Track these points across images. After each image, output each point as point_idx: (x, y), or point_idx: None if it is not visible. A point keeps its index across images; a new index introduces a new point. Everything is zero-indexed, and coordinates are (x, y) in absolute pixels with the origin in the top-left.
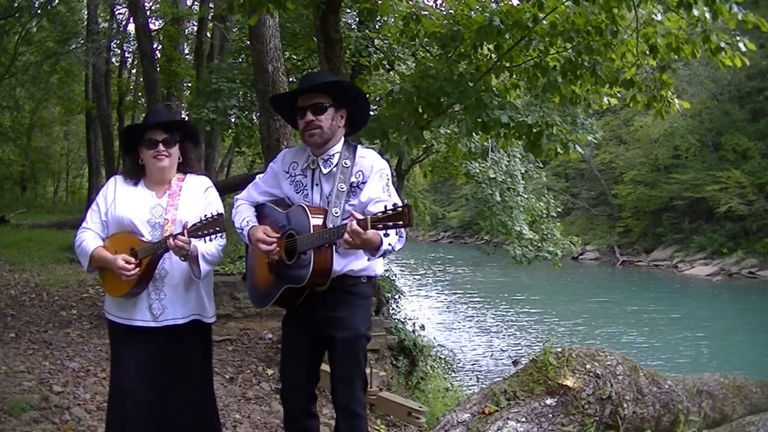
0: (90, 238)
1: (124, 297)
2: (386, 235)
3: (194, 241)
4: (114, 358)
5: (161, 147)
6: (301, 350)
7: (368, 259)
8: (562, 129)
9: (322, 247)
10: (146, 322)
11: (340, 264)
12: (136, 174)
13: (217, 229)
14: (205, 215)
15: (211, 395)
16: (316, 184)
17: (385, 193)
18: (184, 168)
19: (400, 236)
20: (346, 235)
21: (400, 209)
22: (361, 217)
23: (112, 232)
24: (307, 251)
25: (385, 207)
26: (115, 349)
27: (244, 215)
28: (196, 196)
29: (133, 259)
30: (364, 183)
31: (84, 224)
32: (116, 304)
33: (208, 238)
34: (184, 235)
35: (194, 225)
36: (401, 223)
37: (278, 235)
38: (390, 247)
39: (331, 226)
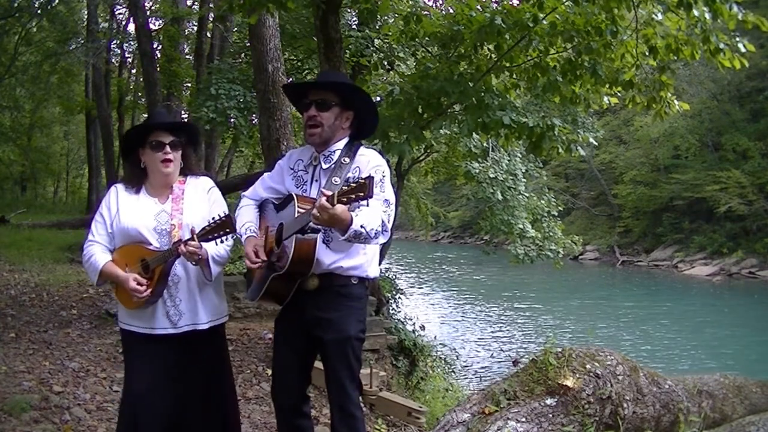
0: (99, 252)
1: (140, 308)
2: (351, 209)
3: (204, 244)
4: (129, 365)
5: (168, 149)
6: (293, 350)
7: (339, 237)
8: (563, 129)
9: (305, 233)
10: (166, 329)
11: (330, 258)
12: (137, 180)
13: (227, 230)
14: (213, 218)
15: (232, 397)
16: (315, 180)
17: (377, 188)
18: (184, 171)
19: (385, 230)
20: (315, 210)
21: (361, 181)
22: (329, 192)
23: (119, 243)
24: (289, 237)
25: (348, 180)
26: (130, 356)
27: (244, 219)
28: (199, 198)
29: (144, 281)
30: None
31: (90, 237)
32: (133, 314)
33: (218, 240)
34: (194, 240)
35: (203, 229)
36: (362, 194)
37: (265, 259)
38: (363, 230)
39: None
